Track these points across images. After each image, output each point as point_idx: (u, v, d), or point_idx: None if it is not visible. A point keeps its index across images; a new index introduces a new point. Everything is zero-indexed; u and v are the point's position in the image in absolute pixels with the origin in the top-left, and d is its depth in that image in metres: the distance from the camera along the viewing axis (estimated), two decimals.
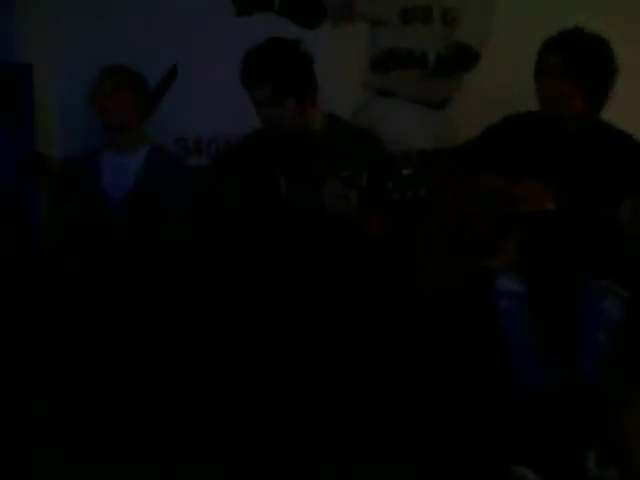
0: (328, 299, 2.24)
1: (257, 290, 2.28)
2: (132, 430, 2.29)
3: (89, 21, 3.22)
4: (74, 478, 2.11)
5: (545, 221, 2.20)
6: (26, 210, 2.87)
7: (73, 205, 2.70)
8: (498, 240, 2.25)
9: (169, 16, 3.18)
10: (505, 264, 2.19)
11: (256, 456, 2.17)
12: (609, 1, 2.94)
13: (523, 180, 2.22)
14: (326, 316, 2.24)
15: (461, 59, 2.66)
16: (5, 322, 2.41)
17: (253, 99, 2.40)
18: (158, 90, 3.10)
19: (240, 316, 2.28)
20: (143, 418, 2.32)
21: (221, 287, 2.31)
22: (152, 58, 3.09)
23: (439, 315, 2.25)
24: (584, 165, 2.23)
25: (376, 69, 2.69)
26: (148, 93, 2.77)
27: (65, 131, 3.34)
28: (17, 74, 2.98)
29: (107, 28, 3.21)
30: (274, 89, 2.34)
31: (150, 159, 2.69)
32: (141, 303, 2.39)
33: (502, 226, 2.25)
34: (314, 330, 2.25)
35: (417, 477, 2.10)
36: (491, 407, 2.17)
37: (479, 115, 2.55)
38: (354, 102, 2.81)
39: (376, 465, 2.15)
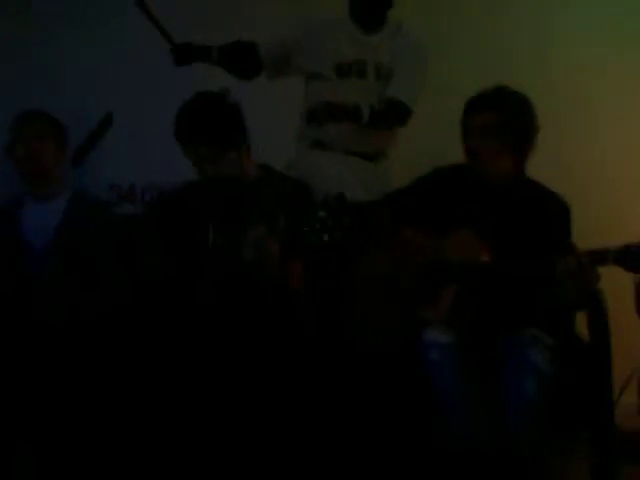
0: (255, 351, 2.21)
1: (185, 342, 2.24)
2: None
3: (24, 62, 3.22)
4: None
5: (479, 272, 2.23)
6: None
7: None
8: (431, 290, 2.28)
9: (106, 62, 3.19)
10: (442, 315, 2.21)
11: None
12: (545, 59, 3.09)
13: (456, 231, 2.27)
14: (253, 371, 2.21)
15: (394, 114, 2.71)
16: None
17: (190, 157, 2.39)
18: (93, 136, 3.09)
19: (168, 371, 2.22)
20: None
21: (148, 340, 2.27)
22: (87, 103, 3.09)
23: (371, 364, 2.25)
24: (512, 219, 2.27)
25: (310, 121, 2.72)
26: (66, 138, 2.70)
27: None
28: None
29: (42, 71, 3.21)
30: (211, 146, 2.34)
31: (72, 205, 2.63)
32: (62, 358, 2.30)
33: (435, 277, 2.28)
34: (240, 386, 2.20)
35: None
36: (423, 457, 2.16)
37: (412, 168, 2.60)
38: (288, 153, 2.84)
39: None
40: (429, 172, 2.45)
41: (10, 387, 2.28)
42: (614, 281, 2.12)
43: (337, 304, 2.35)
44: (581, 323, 2.31)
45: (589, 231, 2.33)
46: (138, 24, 2.77)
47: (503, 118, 2.25)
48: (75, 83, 3.23)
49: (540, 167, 2.35)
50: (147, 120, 3.09)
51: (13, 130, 2.62)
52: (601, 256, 2.02)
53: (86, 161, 3.18)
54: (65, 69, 3.25)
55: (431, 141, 2.94)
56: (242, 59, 2.80)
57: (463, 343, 2.15)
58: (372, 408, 2.24)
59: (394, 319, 2.29)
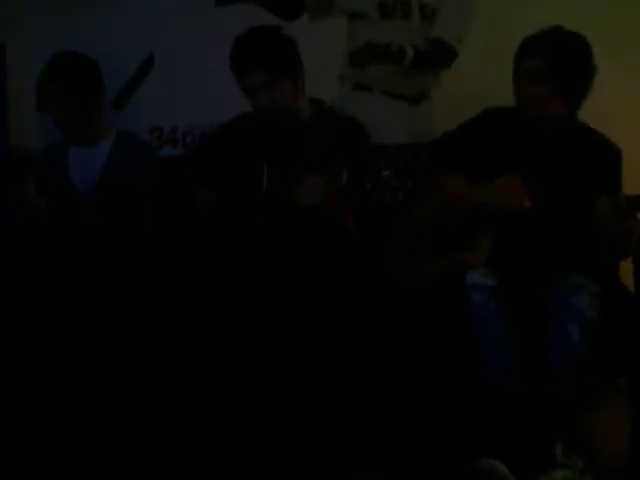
0: (304, 294, 2.23)
1: (233, 285, 2.25)
2: None
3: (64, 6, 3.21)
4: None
5: (521, 217, 2.21)
6: None
7: (41, 197, 2.65)
8: (474, 236, 2.26)
9: (147, 4, 3.17)
10: (481, 259, 2.21)
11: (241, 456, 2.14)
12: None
13: (501, 176, 2.24)
14: (301, 313, 2.22)
15: (438, 55, 2.68)
16: None
17: (247, 85, 2.36)
18: (134, 79, 3.08)
19: (217, 312, 2.24)
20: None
21: (195, 282, 2.29)
22: (129, 46, 3.08)
23: (412, 310, 2.25)
24: (561, 164, 2.24)
25: (353, 63, 2.68)
26: (98, 86, 2.63)
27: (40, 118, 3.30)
28: None
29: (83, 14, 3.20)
30: (268, 72, 2.31)
31: (117, 147, 2.63)
32: (112, 300, 2.36)
33: (478, 222, 2.27)
34: (290, 326, 2.22)
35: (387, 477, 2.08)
36: (462, 402, 2.18)
37: (456, 111, 2.56)
38: (331, 95, 2.81)
39: (350, 465, 2.11)
40: (478, 114, 2.41)
41: (55, 325, 2.34)
42: None
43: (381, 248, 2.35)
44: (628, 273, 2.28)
45: None
46: None
47: (554, 63, 2.19)
48: (116, 25, 3.21)
49: (594, 109, 2.29)
50: (189, 62, 3.08)
51: (38, 89, 2.60)
52: (638, 201, 1.99)
53: (128, 104, 3.18)
54: (107, 11, 3.24)
55: (476, 83, 2.88)
56: None
57: (504, 288, 2.15)
58: (407, 350, 2.25)
59: (433, 261, 2.29)
